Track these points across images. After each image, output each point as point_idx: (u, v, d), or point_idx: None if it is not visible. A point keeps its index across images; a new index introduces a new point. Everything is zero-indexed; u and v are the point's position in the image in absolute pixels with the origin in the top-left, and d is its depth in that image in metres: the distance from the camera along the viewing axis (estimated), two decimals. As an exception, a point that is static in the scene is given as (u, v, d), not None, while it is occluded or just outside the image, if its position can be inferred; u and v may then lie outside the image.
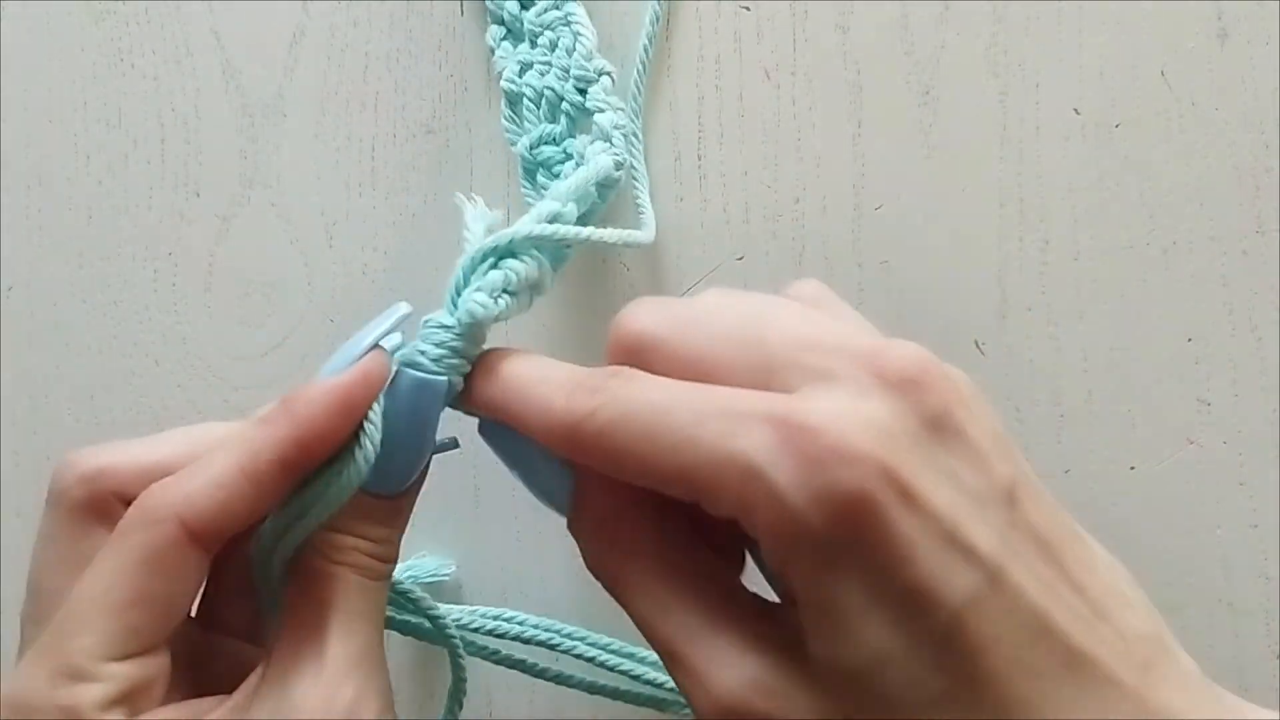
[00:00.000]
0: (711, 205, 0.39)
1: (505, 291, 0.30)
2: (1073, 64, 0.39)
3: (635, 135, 0.39)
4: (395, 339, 0.30)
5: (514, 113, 0.39)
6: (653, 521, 0.28)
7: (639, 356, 0.27)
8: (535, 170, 0.39)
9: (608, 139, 0.37)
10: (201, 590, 0.30)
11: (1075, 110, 0.39)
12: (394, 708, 0.29)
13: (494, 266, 0.30)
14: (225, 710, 0.28)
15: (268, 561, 0.30)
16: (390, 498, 0.29)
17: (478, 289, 0.29)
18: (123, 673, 0.27)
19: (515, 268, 0.30)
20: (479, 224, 0.31)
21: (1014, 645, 0.24)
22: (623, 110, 0.38)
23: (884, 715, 0.24)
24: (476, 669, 0.41)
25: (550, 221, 0.32)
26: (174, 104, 0.41)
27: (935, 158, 0.39)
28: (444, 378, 0.29)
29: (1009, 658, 0.24)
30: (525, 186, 0.39)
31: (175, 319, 0.41)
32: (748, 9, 0.39)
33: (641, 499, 0.27)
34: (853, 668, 0.24)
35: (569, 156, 0.38)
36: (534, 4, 0.39)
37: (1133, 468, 0.38)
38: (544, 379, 0.27)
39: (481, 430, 0.30)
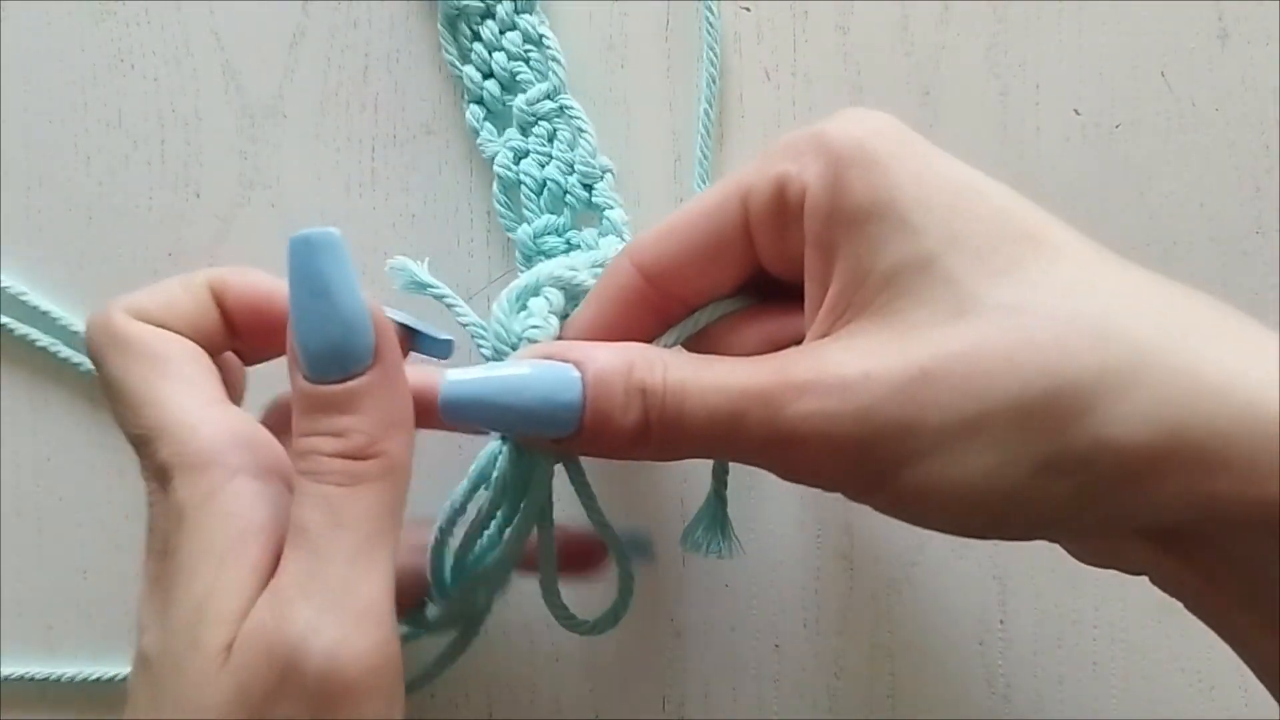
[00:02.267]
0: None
1: (552, 313, 0.32)
2: (1073, 64, 0.39)
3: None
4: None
5: (508, 198, 0.39)
6: (660, 350, 0.29)
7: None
8: (533, 256, 0.39)
9: (620, 235, 0.37)
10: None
11: (1075, 110, 0.39)
12: (353, 638, 0.26)
13: (535, 295, 0.32)
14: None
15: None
16: (338, 380, 0.27)
17: (530, 316, 0.31)
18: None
19: (553, 294, 0.32)
20: (425, 274, 0.34)
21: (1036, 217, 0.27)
22: (623, 206, 0.38)
23: (959, 296, 0.25)
24: (477, 669, 0.41)
25: (569, 280, 0.33)
26: (174, 105, 0.41)
27: (935, 158, 0.39)
28: (333, 230, 0.27)
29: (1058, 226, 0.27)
30: (521, 269, 0.39)
31: (175, 319, 0.41)
32: (748, 9, 0.40)
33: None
34: (917, 257, 0.26)
35: (572, 248, 0.38)
36: (520, 89, 0.39)
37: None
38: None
39: (447, 409, 0.28)
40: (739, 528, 0.40)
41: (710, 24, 0.39)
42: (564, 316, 0.32)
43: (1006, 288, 0.25)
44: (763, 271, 0.30)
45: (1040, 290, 0.25)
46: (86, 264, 0.41)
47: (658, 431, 0.27)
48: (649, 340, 0.31)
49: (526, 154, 0.39)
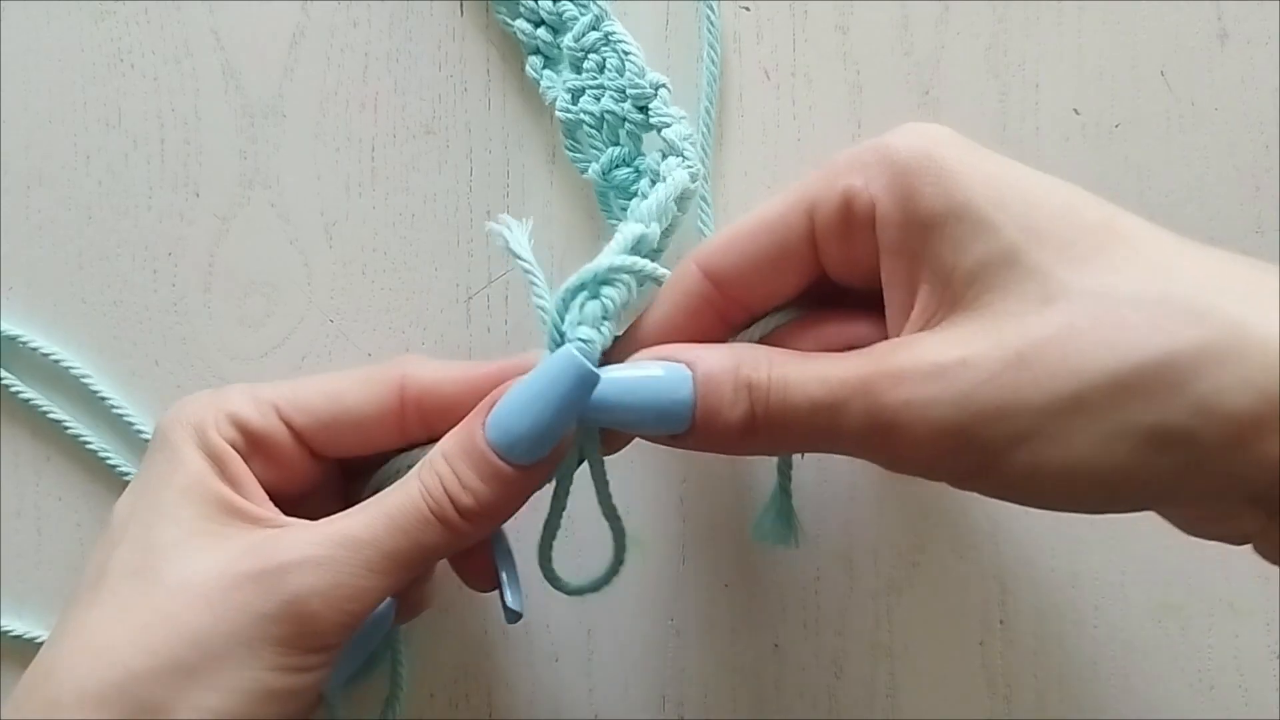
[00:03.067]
0: (711, 206, 0.39)
1: (605, 319, 0.31)
2: (1073, 64, 0.39)
3: (705, 199, 0.39)
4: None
5: (574, 140, 0.39)
6: (765, 348, 0.31)
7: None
8: (608, 193, 0.38)
9: (680, 153, 0.36)
10: None
11: (1075, 110, 0.39)
12: (348, 613, 0.30)
13: (591, 296, 0.31)
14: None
15: (389, 479, 0.33)
16: (501, 458, 0.31)
17: (580, 324, 0.31)
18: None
19: (612, 295, 0.31)
20: (523, 244, 0.32)
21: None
22: (685, 118, 0.37)
23: (1046, 286, 0.26)
24: (477, 669, 0.41)
25: (636, 243, 0.33)
26: (174, 104, 0.41)
27: (935, 158, 0.39)
28: (595, 370, 0.30)
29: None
30: (603, 211, 0.39)
31: (175, 319, 0.41)
32: (748, 9, 0.40)
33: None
34: (1006, 250, 0.27)
35: (641, 174, 0.38)
36: (568, 28, 0.38)
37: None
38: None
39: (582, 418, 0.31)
40: (739, 527, 0.41)
41: (710, 23, 0.39)
42: (618, 316, 0.32)
43: (1092, 274, 0.26)
44: (824, 278, 0.31)
45: (1125, 275, 0.26)
46: (86, 264, 0.41)
47: (763, 424, 0.29)
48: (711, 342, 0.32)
49: (583, 92, 0.38)
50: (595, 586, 0.36)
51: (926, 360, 0.27)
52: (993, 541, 0.40)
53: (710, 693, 0.40)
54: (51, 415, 0.41)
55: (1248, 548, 0.39)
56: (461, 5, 0.40)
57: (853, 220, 0.29)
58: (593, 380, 0.30)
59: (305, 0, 0.40)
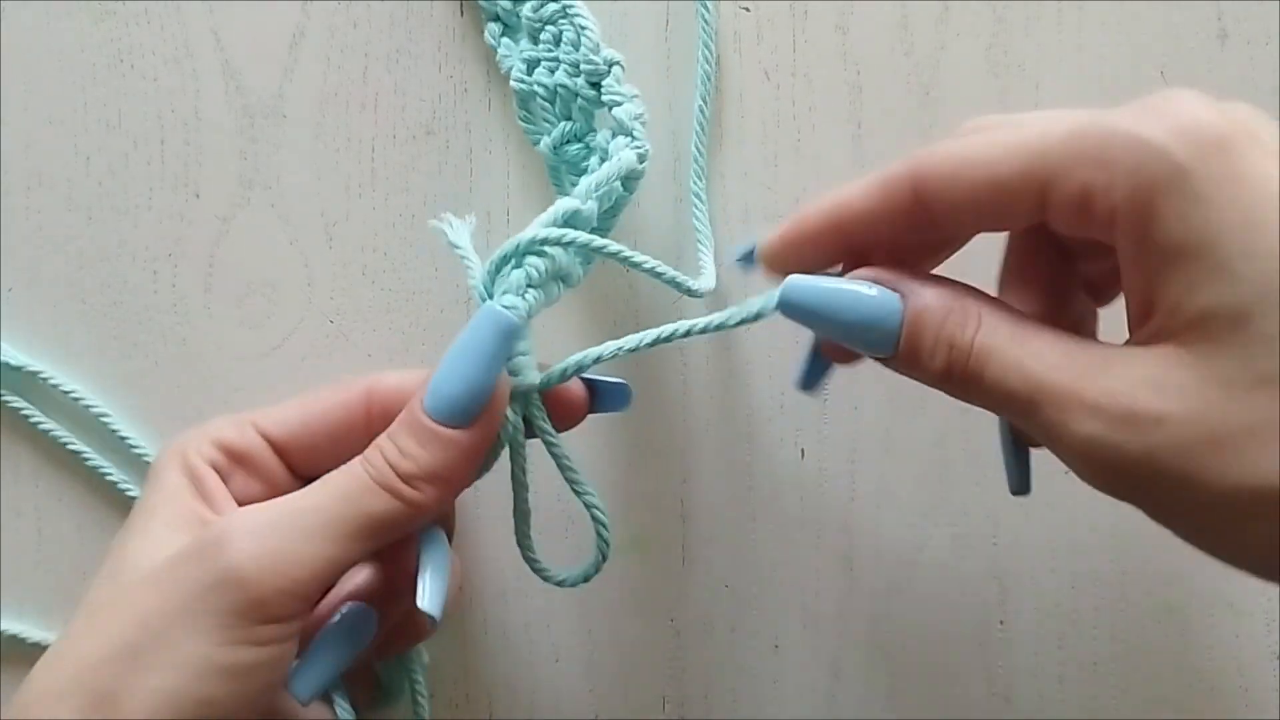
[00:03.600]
0: (711, 206, 0.39)
1: (530, 286, 0.32)
2: (1073, 64, 0.39)
3: (699, 196, 0.39)
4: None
5: (528, 111, 0.39)
6: (982, 301, 0.29)
7: None
8: (560, 167, 0.39)
9: (629, 132, 0.36)
10: None
11: (1075, 110, 0.39)
12: (291, 581, 0.30)
13: (516, 266, 0.32)
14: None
15: None
16: (436, 421, 0.31)
17: (504, 291, 0.32)
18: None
19: (536, 264, 0.32)
20: (464, 237, 0.33)
21: None
22: (638, 97, 0.37)
23: (1272, 362, 0.24)
24: (477, 669, 0.41)
25: (568, 219, 0.33)
26: (174, 105, 0.41)
27: (935, 158, 0.39)
28: (513, 316, 0.31)
29: None
30: (554, 185, 0.39)
31: (175, 319, 0.41)
32: (748, 9, 0.40)
33: (959, 294, 0.29)
34: (1239, 308, 0.25)
35: (592, 151, 0.38)
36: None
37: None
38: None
39: (784, 307, 0.30)
40: (739, 527, 0.41)
41: (705, 21, 0.39)
42: (547, 283, 0.33)
43: None
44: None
45: None
46: (86, 264, 0.41)
47: (958, 384, 0.29)
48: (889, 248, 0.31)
49: (538, 63, 0.38)
50: (585, 577, 0.36)
51: (1123, 402, 0.26)
52: (993, 541, 0.40)
53: (710, 693, 0.40)
54: (50, 420, 0.41)
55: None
56: (461, 5, 0.40)
57: (1089, 215, 0.27)
58: (511, 328, 0.31)
59: (305, 0, 0.40)
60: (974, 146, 0.28)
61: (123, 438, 0.41)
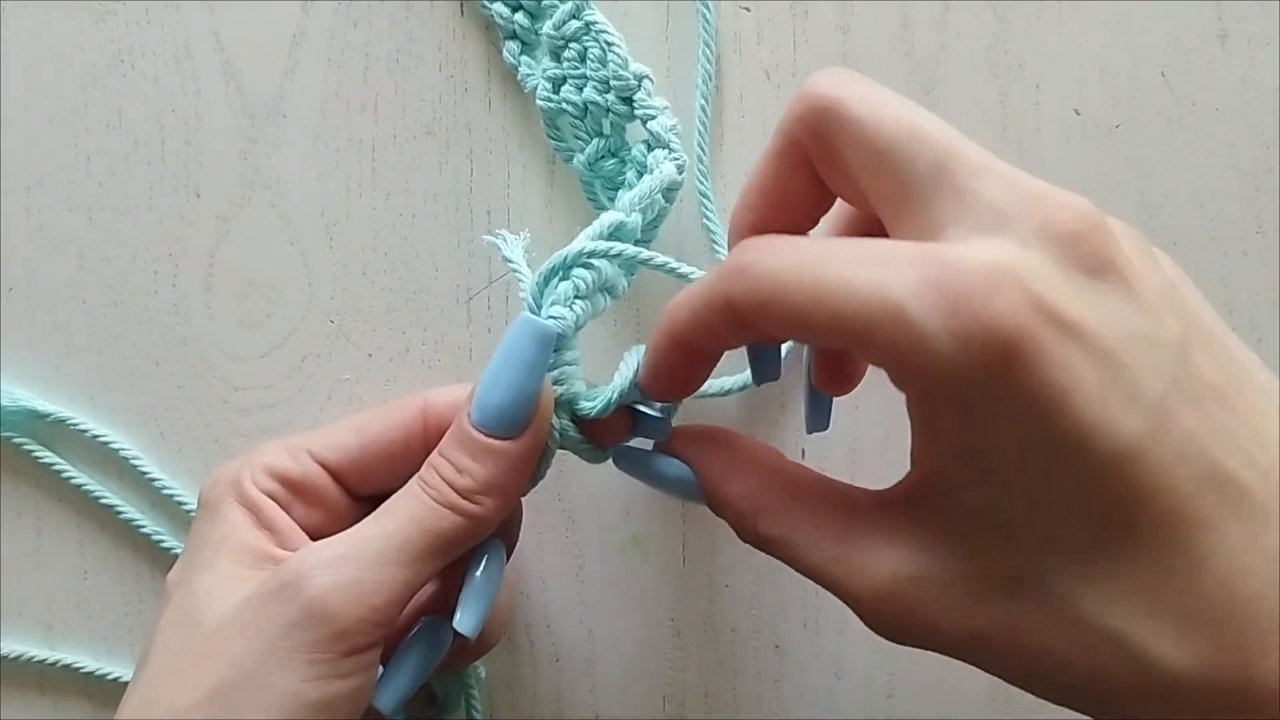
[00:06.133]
0: (714, 204, 0.39)
1: (577, 298, 0.33)
2: (1073, 64, 0.39)
3: (707, 197, 0.39)
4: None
5: (556, 128, 0.39)
6: (779, 478, 0.31)
7: (827, 118, 0.27)
8: (595, 183, 0.39)
9: (666, 145, 0.36)
10: None
11: (1075, 110, 0.39)
12: (371, 610, 0.30)
13: (563, 279, 0.33)
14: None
15: None
16: (486, 434, 0.32)
17: (552, 303, 0.32)
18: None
19: (584, 276, 0.33)
20: (517, 252, 0.34)
21: (1177, 494, 0.23)
22: (669, 109, 0.37)
23: (1029, 567, 0.24)
24: (477, 669, 0.41)
25: (613, 231, 0.34)
26: (174, 105, 0.41)
27: (935, 158, 0.39)
28: (552, 323, 0.32)
29: (1169, 507, 0.23)
30: (589, 200, 0.39)
31: (175, 319, 0.41)
32: (748, 9, 0.40)
33: (763, 464, 0.31)
34: (1001, 518, 0.25)
35: (626, 165, 0.38)
36: (547, 15, 0.38)
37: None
38: (691, 288, 0.29)
39: (617, 460, 0.34)
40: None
41: (705, 21, 0.39)
42: (594, 294, 0.33)
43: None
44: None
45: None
46: (86, 264, 0.41)
47: (751, 539, 0.31)
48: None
49: (564, 80, 0.38)
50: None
51: (889, 604, 0.27)
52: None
53: (710, 693, 0.40)
54: (52, 454, 0.41)
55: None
56: (462, 5, 0.40)
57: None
58: (550, 336, 0.32)
59: (306, 1, 0.40)
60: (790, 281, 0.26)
61: (120, 450, 0.41)
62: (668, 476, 0.33)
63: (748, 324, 0.27)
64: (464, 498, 0.32)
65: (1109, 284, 0.24)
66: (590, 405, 0.33)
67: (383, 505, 0.32)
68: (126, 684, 0.40)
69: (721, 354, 0.31)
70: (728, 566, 0.40)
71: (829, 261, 0.25)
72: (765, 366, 0.35)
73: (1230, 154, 0.38)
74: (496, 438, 0.32)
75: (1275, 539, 0.23)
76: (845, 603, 0.28)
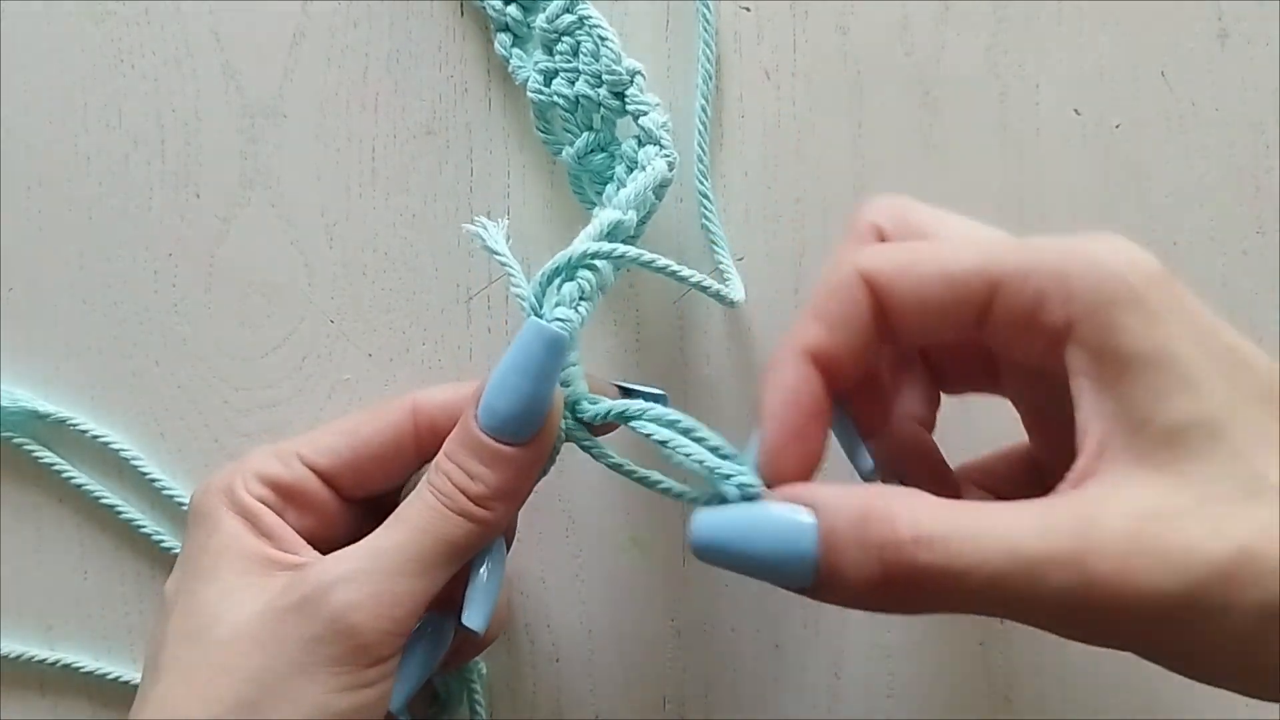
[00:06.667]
0: (714, 204, 0.39)
1: (582, 299, 0.32)
2: (1073, 64, 0.39)
3: (708, 197, 0.39)
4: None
5: (546, 122, 0.39)
6: (900, 493, 0.27)
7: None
8: (582, 177, 0.39)
9: (657, 141, 0.36)
10: None
11: (1075, 111, 0.39)
12: (391, 620, 0.31)
13: (568, 279, 0.32)
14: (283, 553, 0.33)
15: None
16: (495, 439, 0.31)
17: (557, 304, 0.32)
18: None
19: (588, 277, 0.33)
20: (500, 242, 0.33)
21: None
22: (660, 105, 0.37)
23: (1249, 473, 0.25)
24: (479, 670, 0.41)
25: (612, 229, 0.34)
26: (174, 105, 0.41)
27: (935, 158, 0.39)
28: (562, 331, 0.31)
29: None
30: (575, 193, 0.39)
31: (175, 319, 0.41)
32: (748, 9, 0.39)
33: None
34: (1211, 419, 0.25)
35: (616, 160, 0.38)
36: (540, 9, 0.38)
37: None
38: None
39: (701, 553, 0.28)
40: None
41: (706, 21, 0.39)
42: (594, 294, 0.33)
43: None
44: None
45: None
46: (86, 264, 0.41)
47: (901, 588, 0.25)
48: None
49: (556, 74, 0.38)
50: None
51: (1149, 540, 0.24)
52: (993, 541, 0.39)
53: (710, 693, 0.40)
54: (52, 455, 0.41)
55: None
56: (461, 5, 0.40)
57: (1035, 323, 0.27)
58: (562, 342, 0.31)
59: (305, 1, 0.40)
60: (921, 246, 0.29)
61: (120, 450, 0.41)
62: (774, 529, 0.27)
63: (881, 294, 0.28)
64: (477, 504, 0.32)
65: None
66: (594, 410, 0.33)
67: (394, 514, 0.32)
68: (126, 683, 0.41)
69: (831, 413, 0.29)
70: (728, 566, 0.40)
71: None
72: (861, 457, 0.32)
73: (1230, 154, 0.38)
74: (506, 443, 0.31)
75: None
76: (1077, 588, 0.24)
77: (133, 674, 0.41)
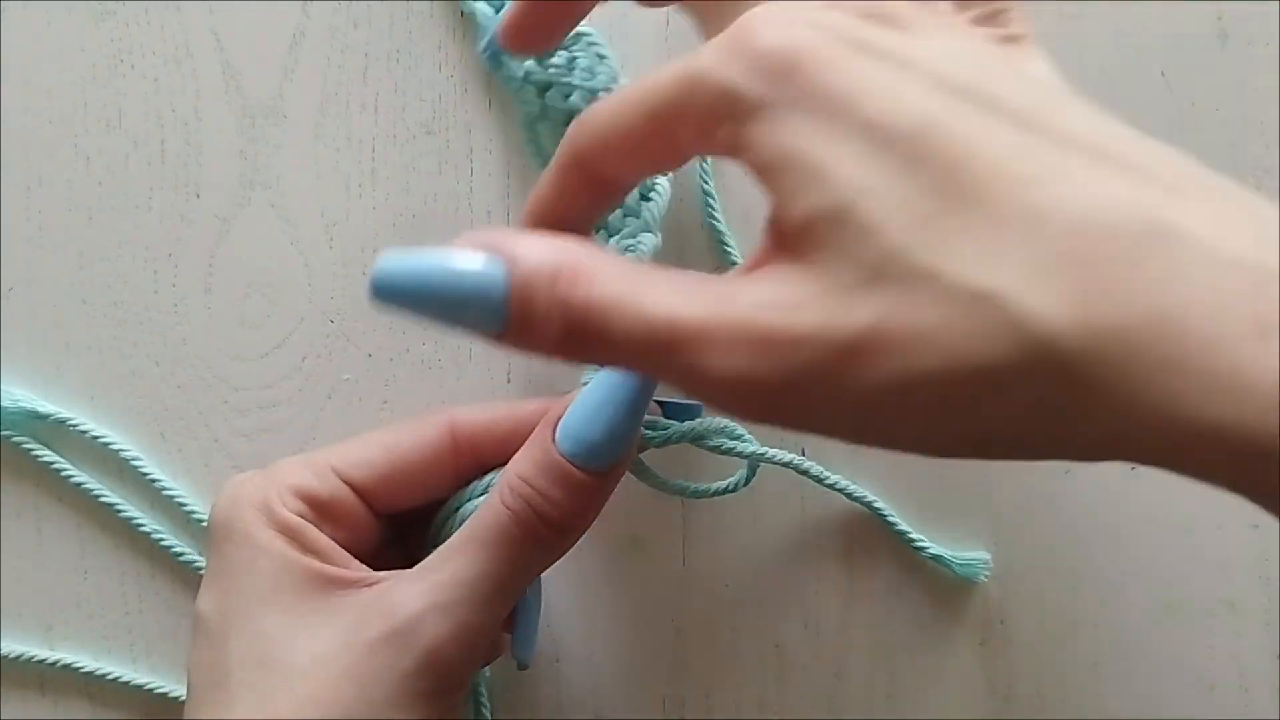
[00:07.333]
0: (719, 203, 0.39)
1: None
2: (1073, 64, 0.39)
3: (712, 195, 0.39)
4: None
5: (534, 133, 0.39)
6: (592, 253, 0.26)
7: None
8: None
9: None
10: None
11: (1075, 110, 0.39)
12: (476, 651, 0.31)
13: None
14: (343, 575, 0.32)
15: (450, 517, 0.35)
16: (579, 468, 0.32)
17: None
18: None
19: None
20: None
21: (994, 156, 0.23)
22: None
23: (883, 255, 0.23)
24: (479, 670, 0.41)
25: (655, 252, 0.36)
26: (174, 105, 0.41)
27: (935, 158, 0.39)
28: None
29: (992, 167, 0.23)
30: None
31: (175, 319, 0.41)
32: (748, 9, 0.39)
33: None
34: (835, 207, 0.24)
35: None
36: None
37: (1133, 468, 0.38)
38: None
39: (376, 293, 0.26)
40: (740, 527, 0.41)
41: None
42: None
43: (933, 251, 0.23)
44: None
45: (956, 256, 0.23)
46: (86, 264, 0.41)
47: (579, 346, 0.26)
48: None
49: (549, 86, 0.38)
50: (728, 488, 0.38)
51: (755, 331, 0.24)
52: (993, 541, 0.40)
53: (710, 693, 0.40)
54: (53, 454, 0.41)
55: (1249, 547, 0.39)
56: (461, 5, 0.40)
57: (715, 151, 0.27)
58: (654, 383, 0.31)
59: (305, 1, 0.40)
60: (609, 104, 0.28)
61: (120, 450, 0.41)
62: (470, 279, 0.26)
63: (588, 170, 0.28)
64: (557, 534, 0.32)
65: (891, 24, 0.25)
66: (662, 435, 0.35)
67: (470, 537, 0.32)
68: (126, 684, 0.41)
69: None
70: (728, 566, 0.40)
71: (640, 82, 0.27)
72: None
73: (1230, 154, 0.38)
74: (587, 472, 0.32)
75: (1111, 186, 0.24)
76: (710, 365, 0.24)
77: (133, 674, 0.41)
